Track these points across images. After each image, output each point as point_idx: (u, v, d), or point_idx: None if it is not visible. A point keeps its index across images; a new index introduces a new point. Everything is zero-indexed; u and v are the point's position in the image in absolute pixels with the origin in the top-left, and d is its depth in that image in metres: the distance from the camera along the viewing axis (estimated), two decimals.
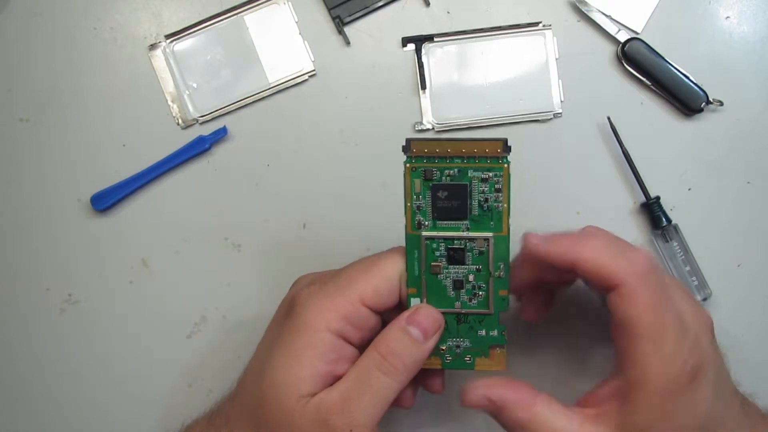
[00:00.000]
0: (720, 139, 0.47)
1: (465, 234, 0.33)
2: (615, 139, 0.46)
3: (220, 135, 0.47)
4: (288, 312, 0.34)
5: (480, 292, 0.34)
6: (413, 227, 0.33)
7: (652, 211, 0.45)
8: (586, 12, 0.47)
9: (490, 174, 0.33)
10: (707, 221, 0.47)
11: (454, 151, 0.32)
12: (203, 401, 0.45)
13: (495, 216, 0.33)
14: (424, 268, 0.34)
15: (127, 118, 0.48)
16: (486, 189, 0.33)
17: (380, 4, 0.48)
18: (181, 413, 0.44)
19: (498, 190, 0.33)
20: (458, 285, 0.34)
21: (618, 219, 0.47)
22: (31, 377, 0.47)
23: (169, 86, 0.48)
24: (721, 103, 0.46)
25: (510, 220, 0.33)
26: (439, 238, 0.33)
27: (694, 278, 0.45)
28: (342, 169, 0.47)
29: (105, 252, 0.47)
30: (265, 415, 0.32)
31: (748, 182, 0.47)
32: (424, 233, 0.33)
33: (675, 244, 0.45)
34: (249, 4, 0.48)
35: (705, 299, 0.45)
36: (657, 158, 0.47)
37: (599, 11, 0.47)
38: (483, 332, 0.34)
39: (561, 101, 0.47)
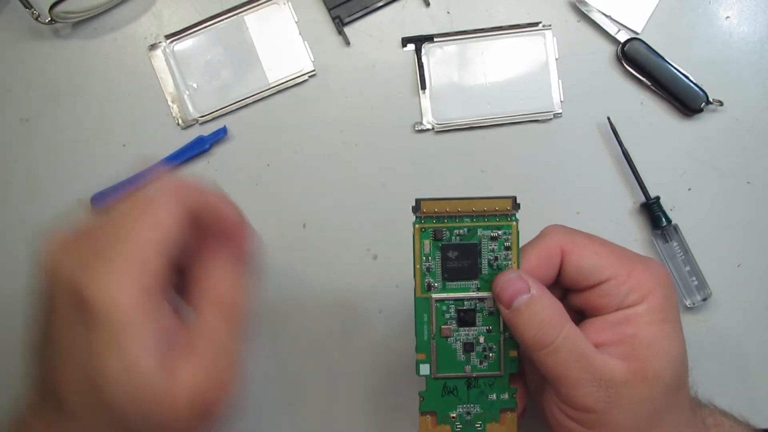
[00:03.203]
0: (720, 139, 0.47)
1: (475, 294, 0.33)
2: (615, 139, 0.46)
3: (220, 135, 0.47)
4: (74, 304, 0.26)
5: (491, 354, 0.33)
6: (423, 290, 0.33)
7: (652, 211, 0.45)
8: (586, 12, 0.47)
9: (500, 232, 0.32)
10: (707, 221, 0.47)
11: (464, 210, 0.32)
12: None
13: None
14: (434, 333, 0.33)
15: (127, 118, 0.48)
16: (495, 247, 0.33)
17: (380, 4, 0.48)
18: None
19: (507, 248, 0.33)
20: (468, 348, 0.33)
21: (618, 219, 0.47)
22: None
23: (169, 86, 0.48)
24: (721, 103, 0.46)
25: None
26: (449, 299, 0.33)
27: (694, 278, 0.45)
28: (342, 169, 0.47)
29: None
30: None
31: (748, 182, 0.47)
32: (434, 295, 0.33)
33: (675, 244, 0.45)
34: (249, 4, 0.48)
35: (705, 299, 0.45)
36: (657, 158, 0.47)
37: (599, 11, 0.47)
38: (494, 396, 0.33)
39: (561, 101, 0.47)
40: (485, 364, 0.33)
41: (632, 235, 0.47)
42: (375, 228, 0.47)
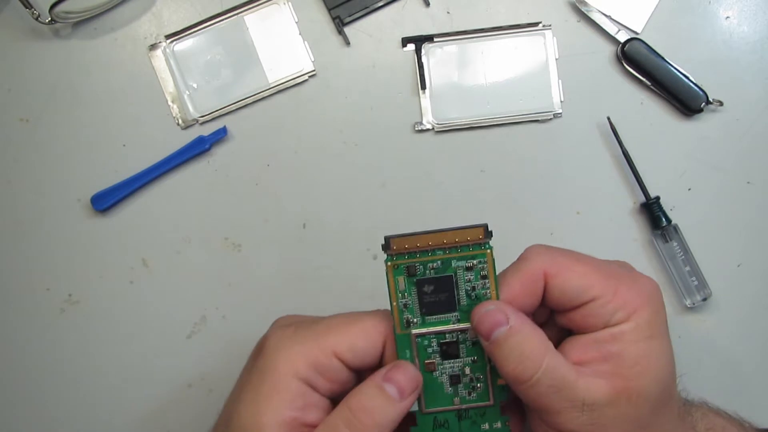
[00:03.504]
0: (720, 139, 0.47)
1: (456, 326, 0.32)
2: (615, 139, 0.46)
3: (220, 135, 0.47)
4: (258, 353, 0.33)
5: (478, 384, 0.33)
6: (402, 327, 0.32)
7: (652, 211, 0.45)
8: (586, 12, 0.47)
9: (474, 261, 0.32)
10: (707, 221, 0.47)
11: (435, 243, 0.31)
12: (203, 401, 0.46)
13: None
14: (418, 368, 0.32)
15: (127, 118, 0.48)
16: (472, 277, 0.32)
17: (380, 4, 0.48)
18: (181, 413, 0.44)
19: (484, 277, 0.32)
20: (455, 380, 0.33)
21: (618, 219, 0.47)
22: (31, 377, 0.47)
23: (169, 86, 0.48)
24: (721, 103, 0.46)
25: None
26: (430, 334, 0.32)
27: (694, 278, 0.45)
28: (342, 169, 0.47)
29: (105, 252, 0.47)
30: None
31: (748, 182, 0.47)
32: (414, 331, 0.32)
33: (675, 244, 0.45)
34: (249, 4, 0.48)
35: (705, 299, 0.45)
36: (657, 158, 0.47)
37: (599, 11, 0.47)
38: (486, 426, 0.33)
39: (561, 101, 0.47)
40: (474, 394, 0.33)
41: (632, 235, 0.47)
42: (375, 228, 0.47)
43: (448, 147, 0.47)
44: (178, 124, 0.48)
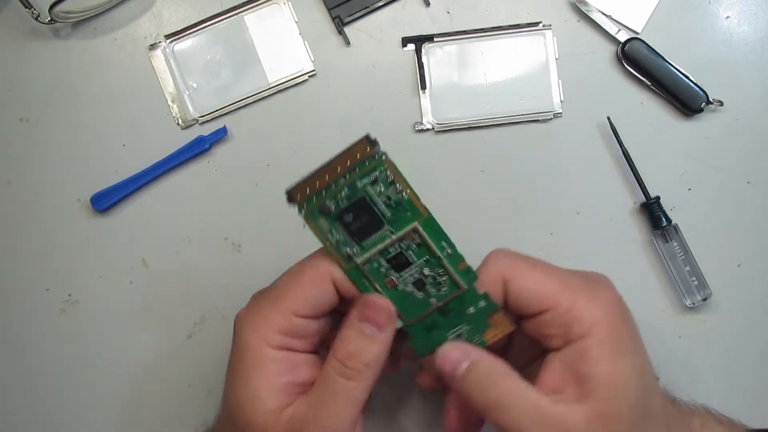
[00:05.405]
0: (720, 139, 0.47)
1: (393, 237, 0.32)
2: (615, 139, 0.46)
3: (220, 135, 0.47)
4: (233, 336, 0.34)
5: (443, 278, 0.33)
6: (346, 262, 0.33)
7: (652, 211, 0.45)
8: (586, 12, 0.47)
9: (376, 174, 0.32)
10: (707, 221, 0.47)
11: (332, 174, 0.31)
12: (203, 401, 0.46)
13: (407, 206, 0.32)
14: (381, 291, 0.33)
15: (127, 118, 0.48)
16: (382, 189, 0.32)
17: (380, 4, 0.48)
18: (181, 413, 0.44)
19: (392, 183, 0.32)
20: (420, 284, 0.33)
21: (618, 219, 0.47)
22: (31, 377, 0.47)
23: (169, 86, 0.48)
24: (721, 103, 0.46)
25: (422, 200, 0.32)
26: (374, 256, 0.33)
27: (694, 278, 0.45)
28: None
29: (105, 252, 0.47)
30: None
31: (748, 182, 0.47)
32: (359, 260, 0.33)
33: (675, 244, 0.45)
34: (249, 4, 0.48)
35: (705, 299, 0.45)
36: (657, 158, 0.47)
37: (599, 11, 0.47)
38: (471, 309, 0.34)
39: (561, 101, 0.47)
40: (444, 289, 0.33)
41: (632, 235, 0.47)
42: None
43: (448, 147, 0.47)
44: (178, 124, 0.48)
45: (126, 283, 0.47)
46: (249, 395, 0.32)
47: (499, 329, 0.34)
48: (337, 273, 0.33)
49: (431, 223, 0.32)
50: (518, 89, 0.47)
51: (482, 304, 0.33)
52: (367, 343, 0.32)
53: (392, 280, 0.33)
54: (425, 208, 0.32)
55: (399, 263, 0.33)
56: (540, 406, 0.30)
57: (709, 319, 0.46)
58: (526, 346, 0.35)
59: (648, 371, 0.32)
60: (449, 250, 0.33)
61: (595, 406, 0.30)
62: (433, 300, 0.33)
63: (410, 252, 0.33)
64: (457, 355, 0.32)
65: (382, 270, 0.33)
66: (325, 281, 0.33)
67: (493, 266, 0.33)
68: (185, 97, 0.48)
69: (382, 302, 0.32)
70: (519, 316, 0.33)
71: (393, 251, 0.33)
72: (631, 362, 0.31)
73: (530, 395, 0.30)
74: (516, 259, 0.33)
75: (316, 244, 0.33)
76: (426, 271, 0.33)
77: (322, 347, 0.35)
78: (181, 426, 0.46)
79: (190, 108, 0.48)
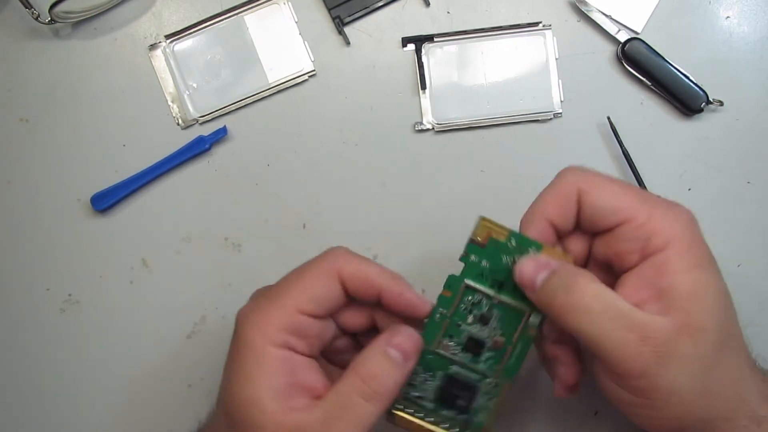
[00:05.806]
0: (720, 139, 0.47)
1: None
2: (615, 139, 0.46)
3: (220, 135, 0.47)
4: (234, 333, 0.33)
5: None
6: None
7: None
8: (586, 12, 0.47)
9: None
10: (707, 221, 0.47)
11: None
12: (203, 401, 0.46)
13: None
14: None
15: (127, 118, 0.48)
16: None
17: (380, 4, 0.48)
18: (181, 413, 0.44)
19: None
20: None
21: None
22: (31, 377, 0.47)
23: (169, 86, 0.48)
24: (721, 103, 0.46)
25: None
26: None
27: None
28: (342, 169, 0.47)
29: (105, 252, 0.47)
30: None
31: (748, 182, 0.47)
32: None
33: None
34: (249, 4, 0.48)
35: None
36: (657, 158, 0.47)
37: (599, 11, 0.47)
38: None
39: (561, 101, 0.47)
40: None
41: None
42: (375, 228, 0.47)
43: (448, 147, 0.47)
44: (178, 124, 0.48)
45: (126, 283, 0.47)
46: (249, 394, 0.31)
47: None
48: (348, 268, 0.32)
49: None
50: (518, 89, 0.47)
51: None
52: (391, 367, 0.31)
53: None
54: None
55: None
56: (624, 311, 0.29)
57: None
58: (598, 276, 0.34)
59: (728, 294, 0.31)
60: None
61: (680, 318, 0.29)
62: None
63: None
64: (536, 264, 0.31)
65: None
66: (331, 277, 0.32)
67: (568, 179, 0.32)
68: (185, 97, 0.48)
69: (413, 334, 0.32)
70: (593, 232, 0.32)
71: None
72: (713, 276, 0.30)
73: (615, 300, 0.29)
74: (590, 173, 0.32)
75: (315, 247, 0.33)
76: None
77: (321, 356, 0.34)
78: (181, 426, 0.46)
79: (190, 108, 0.48)
